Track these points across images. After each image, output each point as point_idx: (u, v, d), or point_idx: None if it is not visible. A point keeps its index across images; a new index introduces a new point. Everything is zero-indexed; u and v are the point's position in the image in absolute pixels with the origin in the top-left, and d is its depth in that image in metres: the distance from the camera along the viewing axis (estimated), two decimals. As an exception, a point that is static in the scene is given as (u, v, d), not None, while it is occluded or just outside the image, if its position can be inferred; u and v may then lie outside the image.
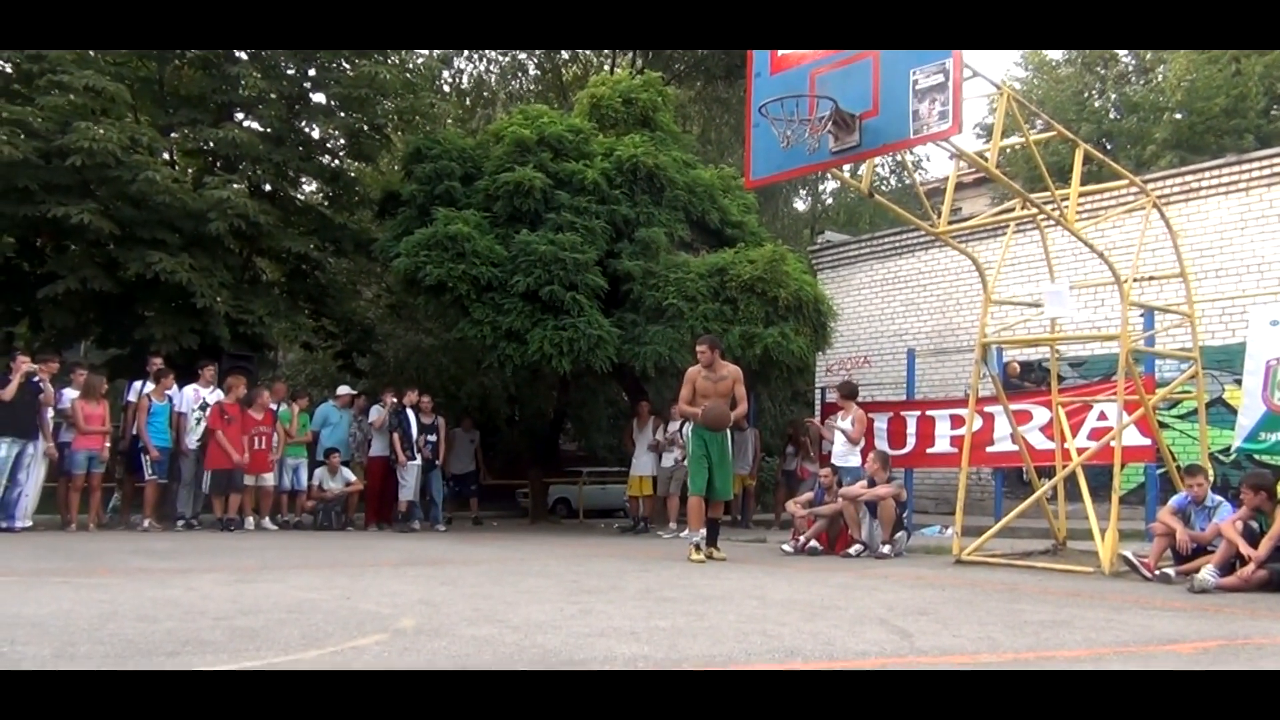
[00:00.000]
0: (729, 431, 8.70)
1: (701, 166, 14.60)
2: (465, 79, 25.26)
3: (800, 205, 28.01)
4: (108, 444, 10.94)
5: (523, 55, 24.54)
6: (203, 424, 11.25)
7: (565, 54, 25.02)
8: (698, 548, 8.24)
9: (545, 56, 24.45)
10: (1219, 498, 7.52)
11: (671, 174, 13.24)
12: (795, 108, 7.04)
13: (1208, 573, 6.50)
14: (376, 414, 12.51)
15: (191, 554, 8.00)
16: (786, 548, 9.45)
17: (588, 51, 25.43)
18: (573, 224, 12.22)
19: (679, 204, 13.35)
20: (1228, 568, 6.63)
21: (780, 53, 7.61)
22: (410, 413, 12.32)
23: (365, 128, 15.07)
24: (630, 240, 12.73)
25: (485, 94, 25.32)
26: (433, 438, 12.51)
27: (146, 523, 10.71)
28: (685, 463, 9.70)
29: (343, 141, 15.74)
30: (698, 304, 12.21)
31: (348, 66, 14.25)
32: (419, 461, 12.22)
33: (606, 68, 22.84)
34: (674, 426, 12.30)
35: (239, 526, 11.11)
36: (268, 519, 11.58)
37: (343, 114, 14.77)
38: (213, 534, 10.55)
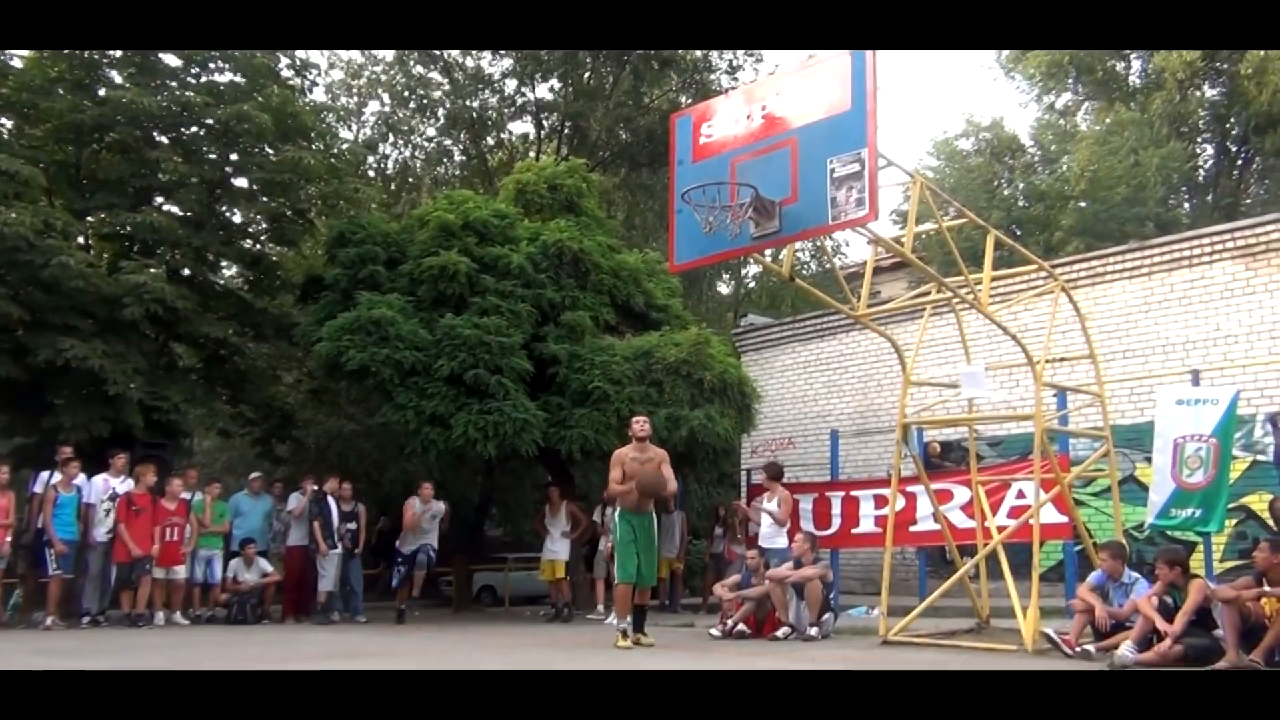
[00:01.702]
0: (656, 514, 8.63)
1: (626, 251, 14.77)
2: (390, 164, 25.36)
3: (724, 288, 28.42)
4: (8, 538, 10.46)
5: (448, 141, 24.74)
6: (112, 515, 10.85)
7: (490, 140, 25.30)
8: (624, 634, 8.10)
9: (471, 143, 24.69)
10: (1135, 574, 7.68)
11: (597, 258, 13.36)
12: (717, 194, 7.18)
13: (1126, 649, 6.60)
14: (296, 501, 12.19)
15: (95, 653, 7.64)
16: (714, 631, 9.38)
17: (513, 138, 25.76)
18: (498, 308, 12.21)
19: (604, 288, 13.45)
20: (1145, 643, 6.74)
21: (702, 140, 7.79)
22: (331, 500, 12.05)
23: (288, 212, 14.97)
24: (556, 324, 12.76)
25: (410, 179, 25.42)
26: (353, 525, 12.23)
27: (49, 620, 10.21)
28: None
29: (265, 226, 15.60)
30: (624, 387, 12.23)
31: (271, 152, 14.21)
32: (339, 550, 11.92)
33: (532, 154, 23.13)
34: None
35: (148, 622, 10.66)
36: (178, 613, 11.15)
37: (265, 199, 14.66)
38: (120, 631, 10.11)
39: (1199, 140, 24.33)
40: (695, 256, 8.11)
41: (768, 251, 9.28)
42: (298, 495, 12.23)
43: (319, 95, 19.00)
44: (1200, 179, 24.60)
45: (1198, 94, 23.30)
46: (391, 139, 24.70)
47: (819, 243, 18.04)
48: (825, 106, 6.97)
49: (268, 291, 15.53)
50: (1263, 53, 21.29)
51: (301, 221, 15.46)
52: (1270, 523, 11.31)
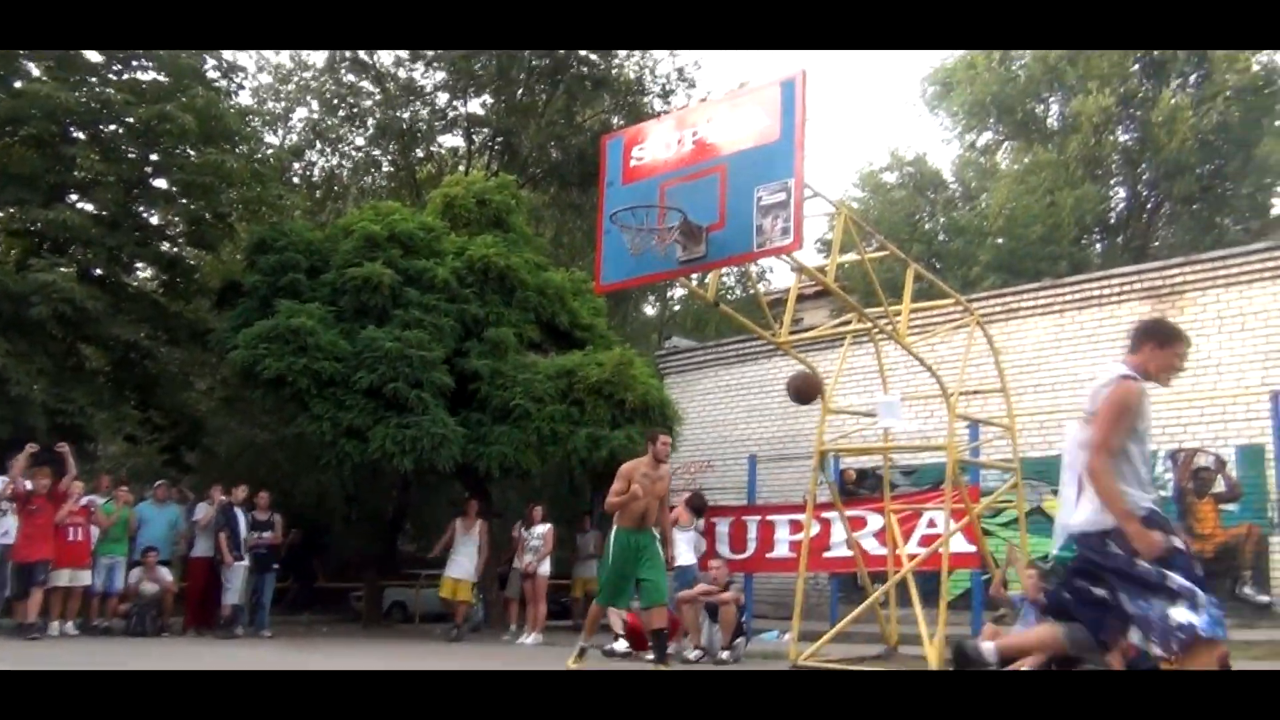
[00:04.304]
0: (656, 533, 8.11)
1: (553, 269, 14.76)
2: (316, 172, 24.99)
3: (649, 310, 28.52)
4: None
5: (376, 152, 24.47)
6: (8, 516, 10.42)
7: (420, 152, 25.08)
8: (581, 654, 7.94)
9: (400, 154, 24.45)
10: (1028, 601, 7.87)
11: (523, 275, 13.33)
12: (646, 217, 7.23)
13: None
14: (202, 512, 11.88)
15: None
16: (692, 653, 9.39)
17: (443, 151, 25.57)
18: (421, 321, 12.11)
19: (529, 305, 13.42)
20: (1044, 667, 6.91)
21: (633, 163, 7.84)
22: (239, 511, 11.76)
23: (208, 216, 14.66)
24: (479, 339, 12.69)
25: (336, 188, 25.06)
26: (268, 534, 11.96)
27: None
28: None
29: (183, 228, 15.24)
30: (545, 405, 12.20)
31: (193, 153, 13.91)
32: (246, 562, 11.63)
33: (461, 169, 22.99)
34: (542, 529, 12.06)
35: (42, 632, 10.26)
36: (71, 623, 10.75)
37: (185, 201, 14.34)
38: (10, 642, 9.71)
39: (1112, 183, 25.12)
40: (622, 278, 8.14)
41: (694, 275, 9.36)
42: (204, 505, 11.93)
43: (245, 99, 18.64)
44: (1112, 221, 25.40)
45: (1112, 138, 24.11)
46: (319, 146, 24.32)
47: (745, 269, 18.24)
48: (755, 135, 7.08)
49: (183, 296, 15.16)
50: (1173, 100, 22.15)
51: (222, 226, 15.14)
52: (1168, 556, 11.68)
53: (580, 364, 12.69)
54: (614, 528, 7.92)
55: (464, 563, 12.08)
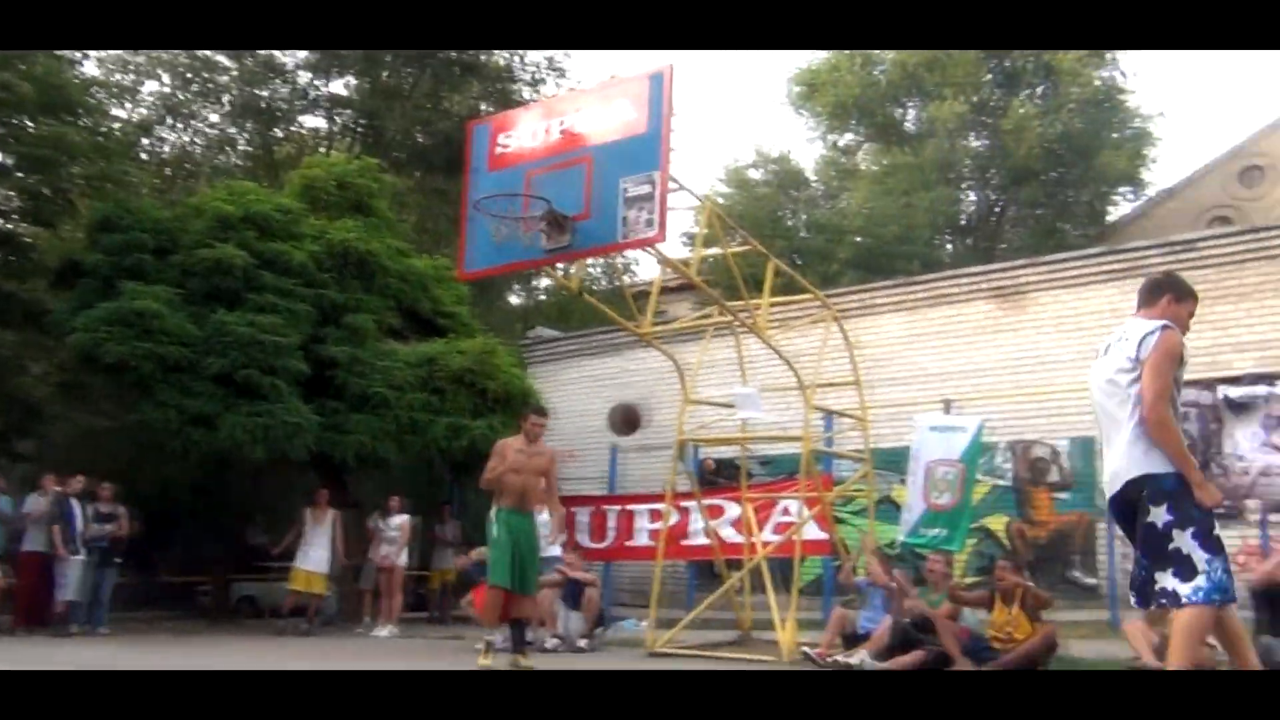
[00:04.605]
0: (535, 517, 7.78)
1: (416, 255, 14.50)
2: (167, 149, 23.88)
3: (514, 299, 28.31)
4: None
5: (232, 130, 23.56)
6: None
7: (279, 132, 24.26)
8: (489, 648, 7.31)
9: (257, 133, 23.59)
10: (873, 585, 8.20)
11: (384, 261, 13.06)
12: (510, 205, 7.19)
13: (866, 656, 7.04)
14: (34, 503, 11.22)
15: None
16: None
17: (303, 132, 24.80)
18: (276, 306, 11.72)
19: (391, 291, 13.16)
20: (887, 652, 7.21)
21: (499, 150, 7.79)
22: (75, 502, 11.16)
23: (47, 191, 13.84)
24: (337, 326, 12.37)
25: (188, 166, 24.02)
26: (110, 527, 11.38)
27: None
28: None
29: (19, 203, 14.35)
30: (405, 393, 11.99)
31: (31, 125, 13.10)
32: (82, 557, 11.05)
33: (323, 150, 22.34)
34: (399, 520, 11.83)
35: None
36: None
37: (21, 174, 13.51)
38: None
39: (964, 186, 26.19)
40: (485, 265, 8.08)
41: (559, 265, 9.34)
42: (36, 496, 11.28)
43: (91, 68, 17.68)
44: (963, 223, 26.48)
45: (965, 144, 25.11)
46: (170, 122, 23.25)
47: (610, 260, 18.31)
48: (622, 127, 7.12)
49: (17, 275, 14.27)
50: (1022, 110, 23.21)
51: (62, 202, 14.31)
52: (1006, 543, 12.32)
53: (442, 352, 12.52)
54: (495, 508, 7.55)
55: (317, 554, 11.75)
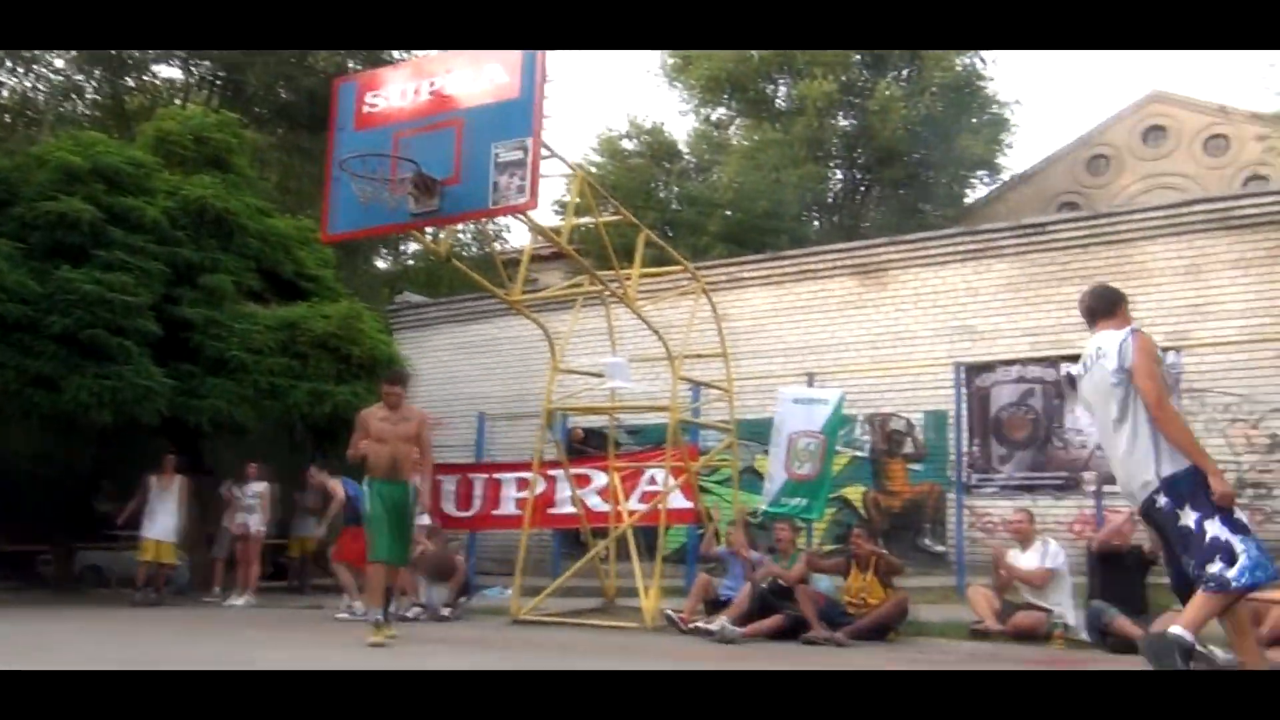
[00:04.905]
0: (411, 487, 7.44)
1: (278, 215, 14.01)
2: (6, 93, 22.40)
3: (381, 264, 27.70)
4: None
5: (79, 76, 22.24)
6: None
7: (130, 81, 23.03)
8: (378, 626, 6.93)
9: (107, 81, 22.34)
10: (734, 555, 8.41)
11: (244, 220, 12.58)
12: (378, 166, 7.01)
13: (726, 622, 7.21)
14: None
15: None
16: (343, 615, 9.18)
17: (157, 82, 23.62)
18: (126, 264, 11.15)
19: (251, 252, 12.69)
20: (745, 618, 7.41)
21: (366, 109, 7.58)
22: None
23: None
24: (193, 286, 11.86)
25: (30, 113, 22.58)
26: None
27: None
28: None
29: None
30: (265, 357, 11.62)
31: None
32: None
33: (179, 102, 21.32)
34: (258, 487, 11.46)
35: None
36: None
37: None
38: None
39: (831, 165, 26.77)
40: (350, 228, 7.87)
41: (428, 230, 9.18)
42: None
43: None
44: (830, 200, 27.11)
45: (833, 123, 25.65)
46: (9, 65, 21.79)
47: (480, 226, 18.09)
48: (494, 91, 7.01)
49: None
50: (888, 92, 23.83)
51: (-115, 146, 13.32)
52: (863, 512, 12.76)
53: (304, 316, 12.17)
54: (367, 480, 7.26)
55: (165, 522, 11.27)
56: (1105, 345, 4.46)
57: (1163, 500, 4.16)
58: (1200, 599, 4.08)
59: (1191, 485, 4.12)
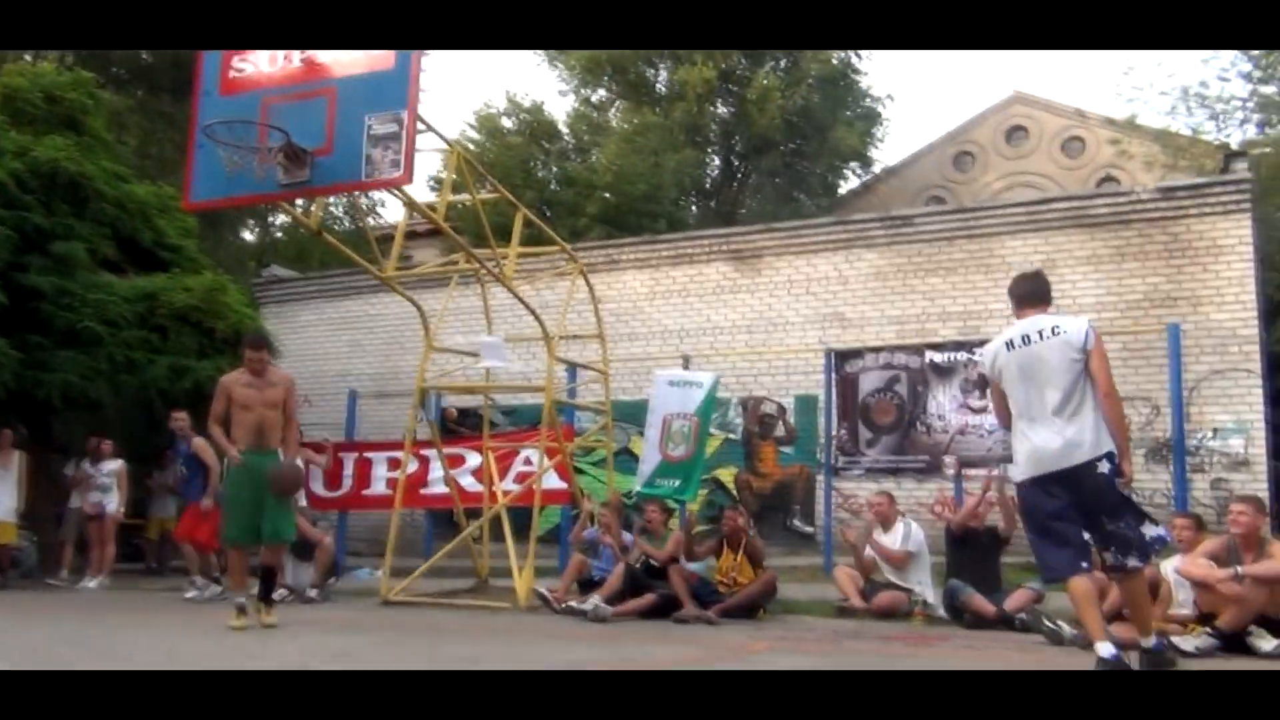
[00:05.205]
0: (278, 457, 6.92)
1: (136, 181, 13.37)
2: None
3: (248, 236, 26.77)
4: None
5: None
6: None
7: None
8: (241, 610, 6.54)
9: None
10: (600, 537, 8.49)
11: (99, 185, 11.96)
12: (245, 133, 6.74)
13: (598, 600, 7.26)
14: None
15: None
16: (191, 594, 8.92)
17: None
18: (-33, 228, 10.51)
19: (106, 219, 12.08)
20: (616, 597, 7.47)
21: (233, 74, 7.28)
22: None
23: None
24: (43, 254, 11.23)
25: None
26: None
27: None
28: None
29: None
30: (120, 330, 11.11)
31: None
32: None
33: (28, 58, 20.12)
34: (112, 465, 10.91)
35: None
36: None
37: None
38: None
39: (709, 151, 27.02)
40: (214, 196, 7.56)
41: (297, 201, 8.90)
42: None
43: None
44: (707, 186, 27.37)
45: (712, 109, 25.89)
46: None
47: (353, 199, 17.65)
48: (368, 61, 6.82)
49: None
50: (766, 81, 24.18)
51: None
52: (735, 493, 12.99)
53: (164, 287, 11.67)
54: (226, 458, 6.83)
55: (3, 500, 10.67)
56: (1065, 326, 4.77)
57: (1105, 467, 4.52)
58: (1133, 599, 4.67)
59: (1117, 459, 4.57)
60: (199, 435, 9.56)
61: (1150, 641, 4.59)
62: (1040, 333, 4.79)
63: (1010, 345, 4.84)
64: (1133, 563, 4.52)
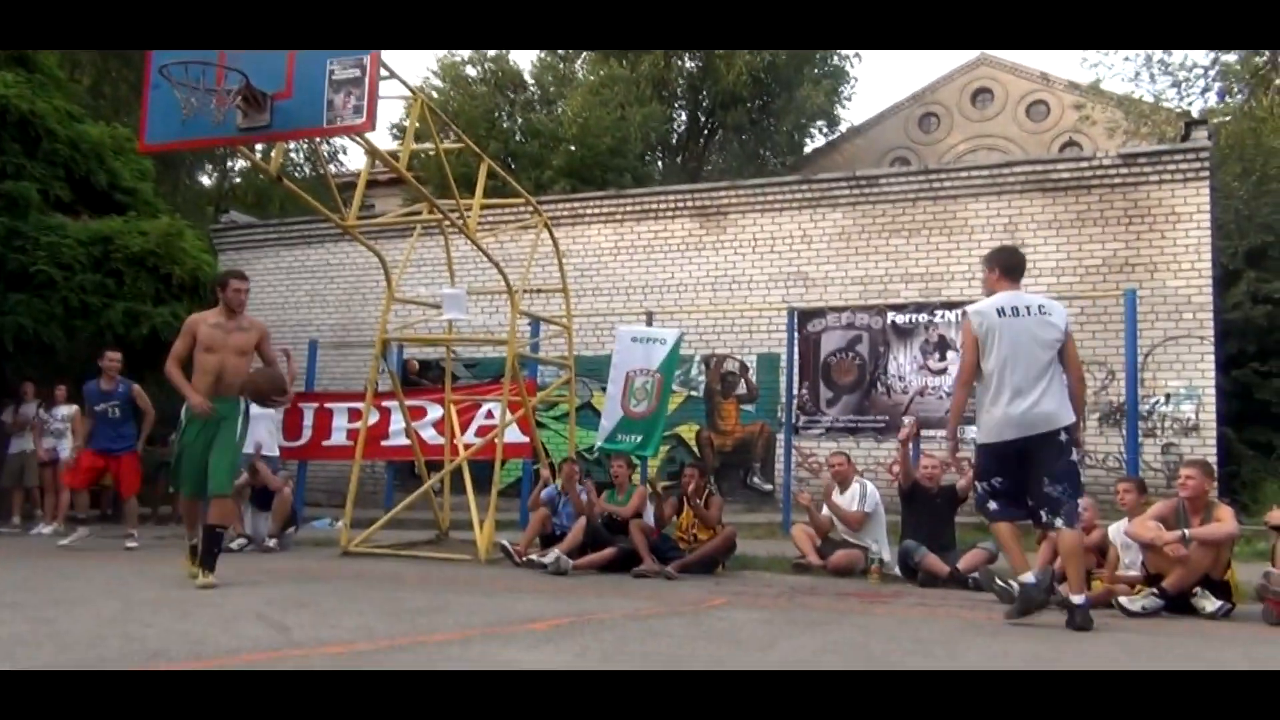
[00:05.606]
0: (242, 405, 6.41)
1: (91, 122, 13.08)
2: None
3: (206, 180, 26.31)
4: None
5: None
6: None
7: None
8: (192, 557, 6.26)
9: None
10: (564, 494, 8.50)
11: (51, 124, 11.69)
12: (202, 75, 6.58)
13: (560, 554, 7.30)
14: None
15: None
16: (132, 545, 8.87)
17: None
18: (-85, 166, 10.25)
19: (59, 159, 11.83)
20: (577, 550, 7.52)
21: (190, 13, 7.09)
22: None
23: None
24: (-7, 194, 11.01)
25: None
26: None
27: None
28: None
29: None
30: (74, 273, 10.92)
31: None
32: None
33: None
34: (67, 411, 10.74)
35: None
36: None
37: None
38: None
39: (676, 105, 26.84)
40: (170, 139, 7.36)
41: (257, 146, 8.73)
42: None
43: None
44: (673, 141, 27.23)
45: (679, 63, 25.68)
46: None
47: (314, 145, 17.37)
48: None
49: None
50: (733, 37, 24.00)
51: None
52: (696, 450, 13.07)
53: (120, 231, 11.46)
54: (185, 406, 6.32)
55: None
56: (1049, 309, 5.18)
57: (1064, 437, 5.02)
58: (1065, 555, 5.09)
59: (1075, 432, 5.10)
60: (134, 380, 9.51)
61: (1079, 599, 4.99)
62: (1028, 308, 5.16)
63: (1002, 312, 5.16)
64: (1059, 523, 4.99)
